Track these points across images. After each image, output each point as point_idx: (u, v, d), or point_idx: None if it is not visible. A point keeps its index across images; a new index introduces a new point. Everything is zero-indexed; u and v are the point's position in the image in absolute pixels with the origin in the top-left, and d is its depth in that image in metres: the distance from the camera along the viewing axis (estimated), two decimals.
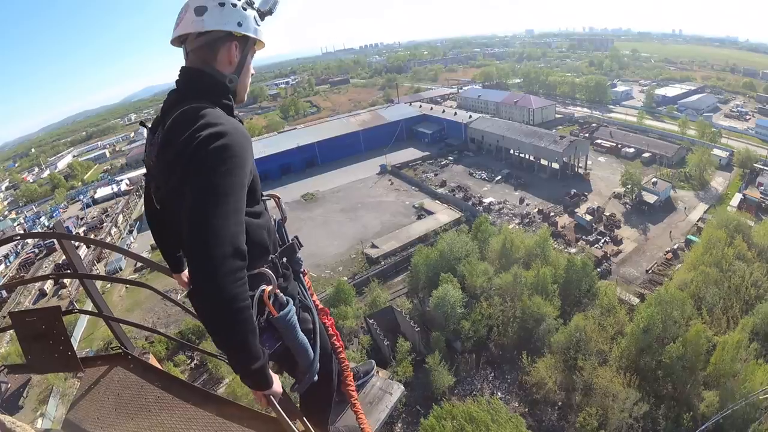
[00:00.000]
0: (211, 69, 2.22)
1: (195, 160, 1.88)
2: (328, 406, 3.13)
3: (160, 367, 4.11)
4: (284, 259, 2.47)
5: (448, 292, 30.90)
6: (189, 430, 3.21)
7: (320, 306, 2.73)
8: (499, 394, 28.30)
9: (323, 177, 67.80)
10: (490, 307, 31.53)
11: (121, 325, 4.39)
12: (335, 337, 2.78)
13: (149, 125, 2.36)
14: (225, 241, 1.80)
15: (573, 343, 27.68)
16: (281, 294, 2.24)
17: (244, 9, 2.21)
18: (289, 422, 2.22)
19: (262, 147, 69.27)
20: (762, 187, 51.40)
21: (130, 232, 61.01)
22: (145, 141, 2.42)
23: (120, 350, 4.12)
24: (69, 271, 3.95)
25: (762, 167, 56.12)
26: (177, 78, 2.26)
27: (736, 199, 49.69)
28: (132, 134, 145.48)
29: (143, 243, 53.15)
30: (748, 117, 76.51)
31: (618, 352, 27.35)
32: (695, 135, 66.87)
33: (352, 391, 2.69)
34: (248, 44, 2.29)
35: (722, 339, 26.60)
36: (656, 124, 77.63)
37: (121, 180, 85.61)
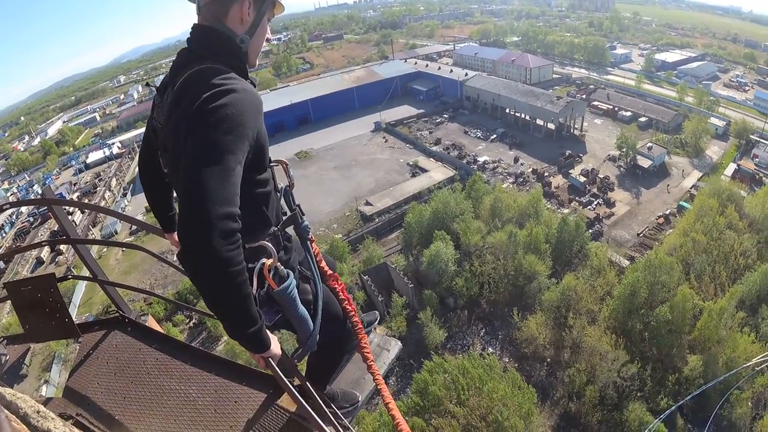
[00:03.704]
0: (222, 26, 2.09)
1: (197, 116, 1.80)
2: (332, 369, 3.15)
3: (158, 329, 4.09)
4: (286, 230, 2.41)
5: (442, 250, 31.13)
6: (188, 391, 3.24)
7: (329, 272, 2.70)
8: (490, 349, 28.99)
9: (317, 134, 67.03)
10: (483, 264, 31.87)
11: (116, 288, 4.34)
12: (347, 302, 2.74)
13: (156, 86, 2.26)
14: (219, 200, 1.70)
15: (563, 302, 28.20)
16: (281, 267, 2.19)
17: None
18: (287, 382, 2.18)
19: None
20: (757, 159, 51.41)
21: (124, 195, 60.42)
22: (152, 103, 2.28)
23: (117, 314, 4.09)
24: (62, 237, 3.86)
25: (758, 139, 55.93)
26: (189, 36, 2.15)
27: (731, 168, 49.86)
28: (122, 96, 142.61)
29: (138, 205, 52.66)
30: (747, 88, 75.82)
31: (606, 313, 27.92)
32: (693, 102, 66.34)
33: (368, 353, 2.65)
34: (264, 4, 2.16)
35: (708, 305, 27.25)
36: (654, 89, 76.83)
37: (113, 143, 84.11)
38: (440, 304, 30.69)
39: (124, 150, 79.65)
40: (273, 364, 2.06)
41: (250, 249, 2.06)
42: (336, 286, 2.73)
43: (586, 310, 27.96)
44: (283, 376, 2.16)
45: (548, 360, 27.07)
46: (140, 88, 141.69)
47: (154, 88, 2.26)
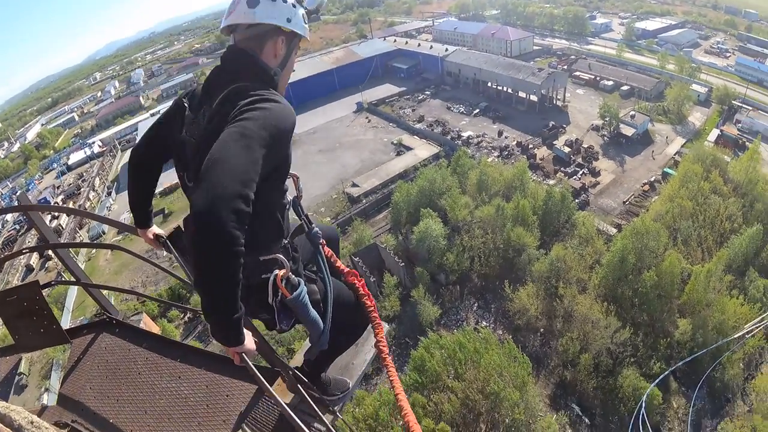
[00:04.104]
0: (257, 59, 2.28)
1: (239, 112, 1.92)
2: (334, 358, 3.24)
3: (152, 327, 4.18)
4: (296, 240, 2.54)
5: (430, 227, 31.08)
6: (179, 388, 3.28)
7: (346, 269, 2.87)
8: (483, 323, 29.19)
9: (299, 118, 60.72)
10: (472, 239, 31.93)
11: (105, 291, 4.42)
12: (367, 297, 2.83)
13: (186, 103, 2.37)
14: (239, 179, 1.74)
15: (553, 272, 28.39)
16: (293, 276, 2.30)
17: (294, 6, 2.30)
18: (262, 379, 2.20)
19: None
20: (739, 124, 52.04)
21: (109, 194, 59.19)
22: (176, 115, 2.40)
23: (104, 316, 4.08)
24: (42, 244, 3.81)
25: (740, 104, 56.46)
26: (224, 56, 2.31)
27: (714, 134, 50.12)
28: (99, 93, 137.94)
29: (123, 204, 51.78)
30: (728, 54, 75.96)
31: (596, 281, 28.17)
32: (674, 70, 66.34)
33: (383, 347, 2.71)
34: (294, 41, 2.40)
35: (696, 269, 27.59)
36: (635, 58, 76.61)
37: (93, 142, 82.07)
38: (432, 281, 30.74)
39: (105, 148, 77.87)
40: (247, 359, 2.05)
41: (264, 261, 2.19)
42: (356, 282, 2.85)
43: (576, 279, 28.16)
44: (258, 373, 2.17)
45: (541, 330, 27.32)
46: (117, 84, 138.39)
47: (185, 105, 2.36)
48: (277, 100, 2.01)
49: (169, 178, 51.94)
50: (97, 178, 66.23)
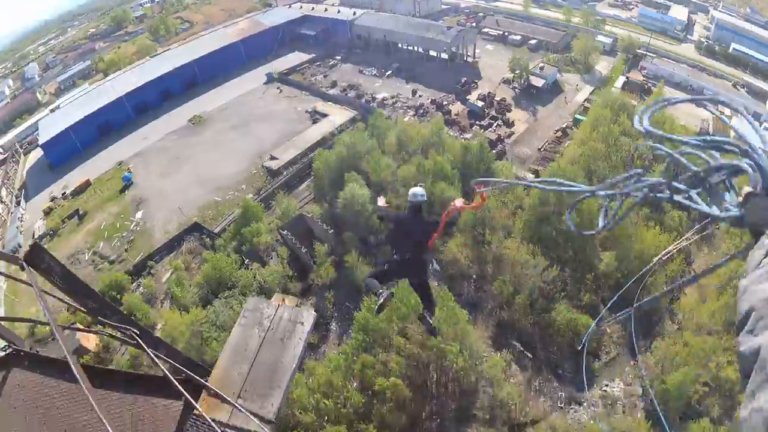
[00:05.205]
0: None
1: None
2: None
3: (55, 357, 3.69)
4: None
5: (355, 191, 30.51)
6: (101, 412, 2.91)
7: None
8: None
9: (207, 96, 62.28)
10: (397, 197, 31.74)
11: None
12: None
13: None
14: None
15: (478, 221, 28.80)
16: None
17: None
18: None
19: (136, 76, 62.97)
20: (644, 71, 55.41)
21: (18, 203, 52.72)
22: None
23: (11, 350, 3.66)
24: None
25: (644, 53, 60.22)
26: None
27: (620, 81, 52.78)
28: None
29: (36, 211, 46.50)
30: (631, 6, 79.60)
31: (520, 225, 28.94)
32: (580, 22, 69.00)
33: None
34: None
35: (613, 204, 28.90)
36: (541, 12, 78.65)
37: None
38: (363, 244, 30.38)
39: (6, 154, 68.54)
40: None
41: None
42: None
43: (501, 225, 28.74)
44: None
45: (474, 276, 27.79)
46: (11, 82, 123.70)
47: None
48: None
49: (76, 178, 47.77)
50: (3, 189, 58.83)
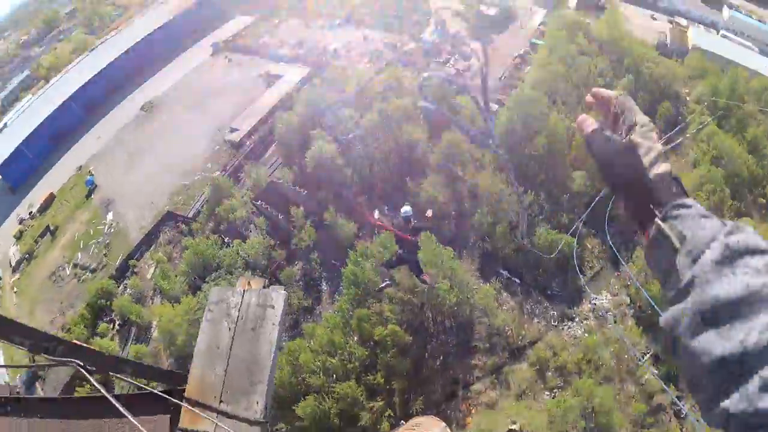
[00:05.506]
0: None
1: None
2: None
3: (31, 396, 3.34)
4: None
5: (323, 148, 30.11)
6: None
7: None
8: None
9: (155, 79, 59.58)
10: (366, 147, 31.45)
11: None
12: None
13: None
14: None
15: (449, 157, 28.80)
16: None
17: None
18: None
19: (80, 73, 59.95)
20: None
21: None
22: None
23: None
24: None
25: None
26: None
27: (573, 0, 51.64)
28: None
29: (6, 237, 42.26)
30: None
31: (490, 156, 28.96)
32: None
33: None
34: None
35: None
36: None
37: None
38: (339, 199, 30.21)
39: None
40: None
41: None
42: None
43: (472, 159, 28.85)
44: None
45: (453, 213, 27.97)
46: None
47: None
48: None
49: (39, 194, 45.27)
50: None
